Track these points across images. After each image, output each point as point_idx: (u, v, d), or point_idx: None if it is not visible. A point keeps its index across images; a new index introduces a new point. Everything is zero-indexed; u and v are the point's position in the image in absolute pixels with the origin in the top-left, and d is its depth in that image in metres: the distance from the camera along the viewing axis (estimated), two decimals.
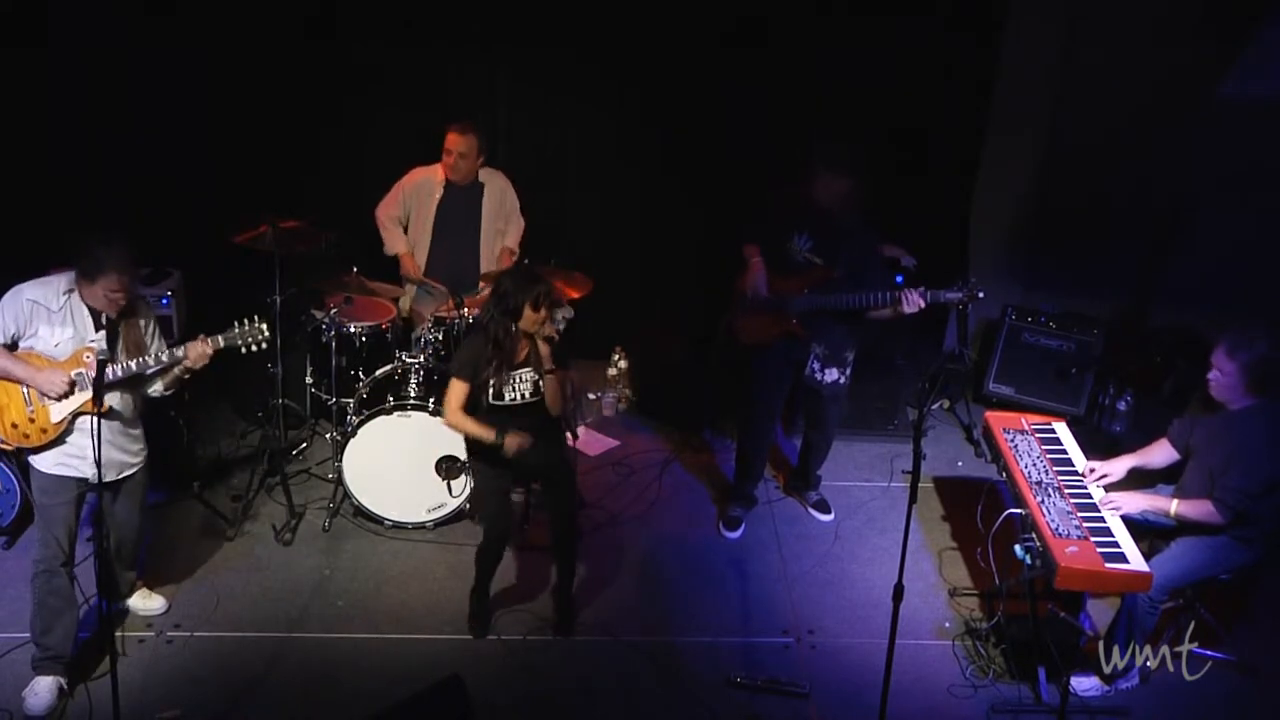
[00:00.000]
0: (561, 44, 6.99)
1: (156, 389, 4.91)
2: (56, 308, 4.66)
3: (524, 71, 7.15)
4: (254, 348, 4.91)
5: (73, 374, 4.66)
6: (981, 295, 5.55)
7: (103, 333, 4.68)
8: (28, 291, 4.67)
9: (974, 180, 7.40)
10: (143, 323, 4.82)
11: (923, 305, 5.48)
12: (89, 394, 4.64)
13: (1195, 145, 6.83)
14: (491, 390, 4.92)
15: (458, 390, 4.94)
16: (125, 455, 4.87)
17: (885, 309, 5.53)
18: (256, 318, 4.91)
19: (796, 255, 5.66)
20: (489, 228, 6.40)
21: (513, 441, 4.92)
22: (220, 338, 4.86)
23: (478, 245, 6.40)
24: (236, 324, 4.89)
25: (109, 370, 4.56)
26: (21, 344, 4.68)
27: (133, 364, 4.70)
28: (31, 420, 4.68)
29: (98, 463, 4.33)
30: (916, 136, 7.03)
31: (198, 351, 4.80)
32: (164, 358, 4.77)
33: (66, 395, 4.65)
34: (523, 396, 4.97)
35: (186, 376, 4.91)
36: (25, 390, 4.65)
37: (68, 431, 4.72)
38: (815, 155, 5.56)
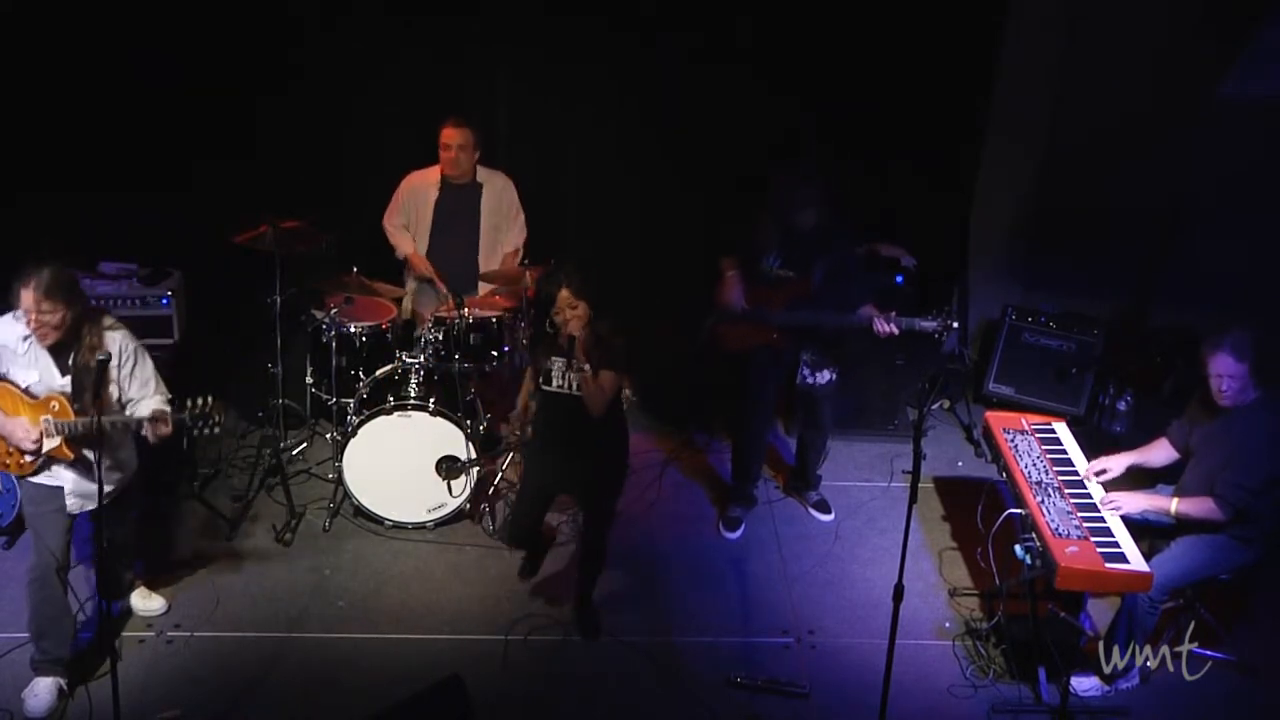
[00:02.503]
0: (562, 45, 6.98)
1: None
2: (21, 351, 4.59)
3: (524, 72, 7.14)
4: (205, 431, 4.69)
5: (41, 421, 4.57)
6: (955, 326, 5.58)
7: (68, 378, 4.58)
8: None
9: (974, 180, 7.40)
10: (114, 367, 4.60)
11: (895, 333, 5.50)
12: (57, 441, 4.59)
13: (1195, 145, 6.82)
14: (543, 375, 4.96)
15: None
16: (106, 485, 4.64)
17: (859, 328, 5.55)
18: (212, 399, 4.66)
19: (769, 275, 5.68)
20: (488, 226, 6.39)
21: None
22: (170, 415, 4.62)
23: (476, 245, 6.39)
24: (190, 402, 4.65)
25: (58, 425, 4.54)
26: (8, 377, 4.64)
27: (79, 424, 4.53)
28: (10, 455, 4.67)
29: (98, 490, 4.33)
30: (917, 136, 7.03)
31: (150, 431, 4.60)
32: (114, 419, 4.60)
33: (34, 449, 4.59)
34: (570, 386, 4.90)
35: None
36: None
37: (45, 464, 4.68)
38: (772, 183, 5.63)
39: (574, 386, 4.87)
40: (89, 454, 4.63)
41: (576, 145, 7.37)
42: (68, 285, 4.50)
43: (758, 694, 5.03)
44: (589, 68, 7.05)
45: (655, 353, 7.27)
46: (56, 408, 4.58)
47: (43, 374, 4.60)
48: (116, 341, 4.64)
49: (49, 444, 4.61)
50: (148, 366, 4.77)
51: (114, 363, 4.59)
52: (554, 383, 4.92)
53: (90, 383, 4.49)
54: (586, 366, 4.77)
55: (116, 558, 5.07)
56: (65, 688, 4.85)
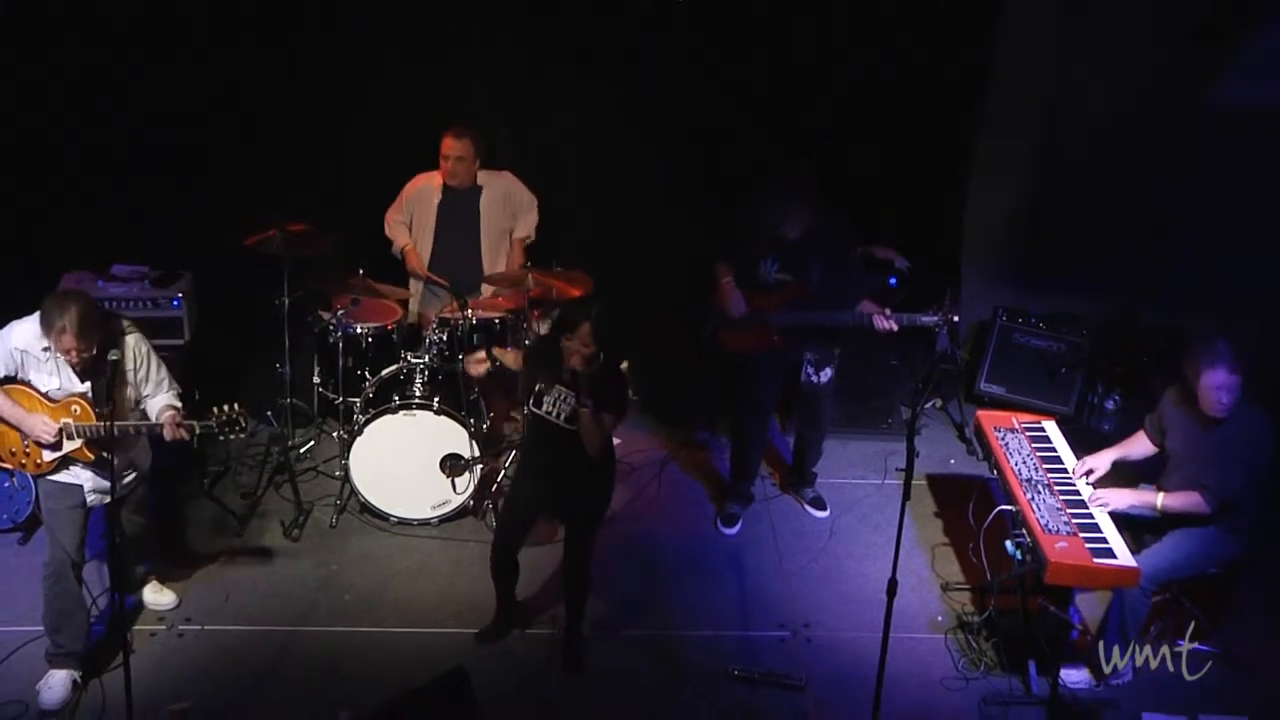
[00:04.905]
0: (562, 47, 7.03)
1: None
2: (43, 358, 4.68)
3: (525, 73, 7.17)
4: (231, 437, 4.77)
5: (61, 423, 4.67)
6: (956, 320, 5.60)
7: (88, 384, 4.69)
8: (14, 338, 4.67)
9: (967, 181, 7.41)
10: (131, 370, 4.75)
11: (894, 329, 5.55)
12: (78, 444, 4.70)
13: (1193, 145, 6.82)
14: (534, 395, 4.88)
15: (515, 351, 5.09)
16: (122, 480, 4.89)
17: (859, 325, 5.60)
18: (237, 406, 4.71)
19: (768, 279, 5.73)
20: (490, 229, 6.45)
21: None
22: (197, 424, 4.70)
23: (478, 248, 6.45)
24: (216, 410, 4.71)
25: (79, 428, 4.64)
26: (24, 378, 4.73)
27: (100, 428, 4.62)
28: (27, 452, 4.75)
29: (111, 489, 4.46)
30: (914, 136, 7.07)
31: (171, 434, 4.71)
32: (138, 425, 4.75)
33: (54, 445, 4.68)
34: (559, 416, 4.81)
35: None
36: None
37: (64, 463, 4.78)
38: (751, 202, 5.67)
39: (563, 418, 4.79)
40: (105, 455, 4.73)
41: (576, 146, 7.37)
42: (96, 316, 4.60)
43: (756, 686, 5.11)
44: (589, 68, 7.08)
45: (656, 352, 7.36)
46: (78, 411, 4.68)
47: (63, 380, 4.71)
48: (129, 346, 4.77)
49: (70, 445, 4.71)
50: (160, 367, 4.91)
51: (129, 365, 4.73)
52: (544, 407, 4.84)
53: (106, 384, 4.60)
54: (589, 403, 4.70)
55: (130, 552, 5.16)
56: (79, 680, 4.93)
